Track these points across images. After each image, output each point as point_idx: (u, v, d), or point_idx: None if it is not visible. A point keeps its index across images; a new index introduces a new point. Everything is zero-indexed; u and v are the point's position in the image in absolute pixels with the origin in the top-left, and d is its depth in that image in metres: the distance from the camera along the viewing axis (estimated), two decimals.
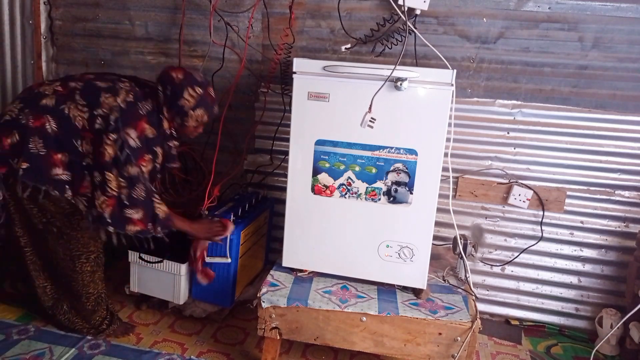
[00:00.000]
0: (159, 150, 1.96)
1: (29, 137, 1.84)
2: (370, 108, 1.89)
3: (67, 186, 1.87)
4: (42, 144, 1.84)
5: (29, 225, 2.01)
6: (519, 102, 2.41)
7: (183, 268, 2.23)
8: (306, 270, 2.12)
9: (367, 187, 1.96)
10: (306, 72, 1.93)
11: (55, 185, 1.86)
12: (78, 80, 1.97)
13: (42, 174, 1.84)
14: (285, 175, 2.03)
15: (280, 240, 2.12)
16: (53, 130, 1.85)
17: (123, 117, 1.85)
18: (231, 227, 2.11)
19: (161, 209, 1.91)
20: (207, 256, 2.22)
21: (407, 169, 1.92)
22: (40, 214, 1.96)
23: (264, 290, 1.96)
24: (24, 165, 1.82)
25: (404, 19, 2.25)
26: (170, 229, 1.96)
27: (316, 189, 2.00)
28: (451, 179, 2.41)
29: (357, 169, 1.96)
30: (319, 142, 1.96)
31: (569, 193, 2.44)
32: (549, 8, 2.30)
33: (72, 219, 1.97)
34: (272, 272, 2.11)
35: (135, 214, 1.85)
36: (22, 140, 1.84)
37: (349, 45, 2.45)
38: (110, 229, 1.85)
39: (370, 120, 1.89)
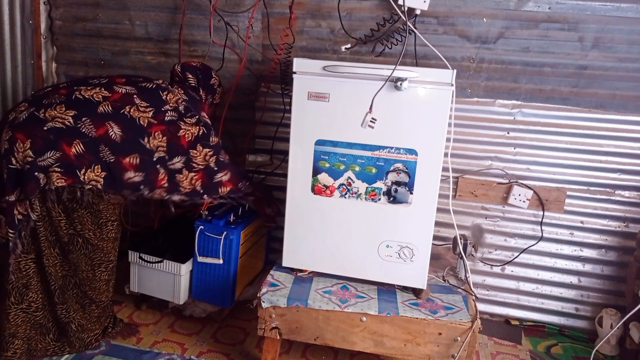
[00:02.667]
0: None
1: (98, 146, 1.84)
2: (370, 108, 1.89)
3: (142, 186, 1.92)
4: (109, 151, 1.86)
5: (55, 239, 1.93)
6: (519, 102, 2.41)
7: (183, 268, 2.23)
8: (306, 270, 2.12)
9: (367, 187, 1.96)
10: (306, 72, 1.93)
11: (132, 189, 1.91)
12: (120, 84, 1.98)
13: (117, 180, 1.88)
14: (285, 175, 2.03)
15: (280, 240, 2.12)
16: (117, 136, 1.87)
17: (193, 105, 2.09)
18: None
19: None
20: (200, 255, 2.23)
21: (407, 169, 1.92)
22: (68, 225, 1.92)
23: (264, 290, 1.96)
24: (103, 175, 1.85)
25: (404, 19, 2.25)
26: (248, 190, 2.22)
27: (316, 189, 2.00)
28: (451, 179, 2.41)
29: (357, 169, 1.96)
30: (319, 142, 1.96)
31: (569, 193, 2.44)
32: (549, 8, 2.30)
33: (103, 229, 1.97)
34: (272, 272, 2.11)
35: (225, 176, 2.08)
36: (88, 149, 1.83)
37: (349, 45, 2.45)
38: (205, 197, 2.08)
39: (371, 121, 1.89)
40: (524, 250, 2.52)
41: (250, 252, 2.43)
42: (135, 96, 1.96)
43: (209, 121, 2.13)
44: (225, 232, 2.18)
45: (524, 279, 2.57)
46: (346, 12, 2.46)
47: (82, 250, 1.96)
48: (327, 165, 1.97)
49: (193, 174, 2.01)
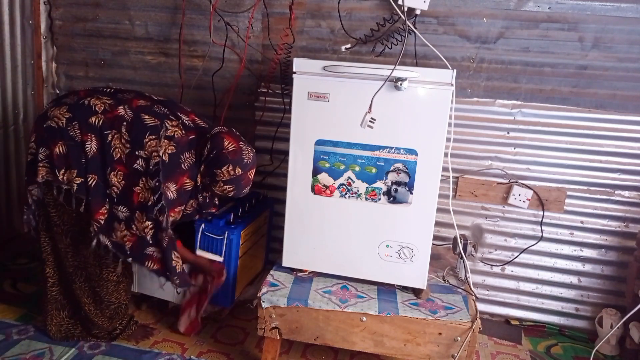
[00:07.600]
0: (192, 202, 1.99)
1: (78, 152, 1.86)
2: (370, 108, 1.89)
3: (90, 197, 1.89)
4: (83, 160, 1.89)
5: (67, 229, 1.99)
6: (519, 102, 2.41)
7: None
8: (306, 270, 2.12)
9: (367, 187, 1.96)
10: (306, 72, 1.93)
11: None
12: (128, 106, 1.89)
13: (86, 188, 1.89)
14: (285, 175, 2.03)
15: (280, 240, 2.12)
16: (91, 151, 1.86)
17: (165, 171, 1.84)
18: (224, 277, 2.17)
19: (178, 263, 1.93)
20: (200, 249, 2.22)
21: (407, 169, 1.92)
22: (78, 219, 1.96)
23: (264, 290, 1.96)
24: (79, 180, 1.86)
25: (404, 19, 2.25)
26: (187, 284, 2.04)
27: (316, 189, 2.00)
28: (451, 179, 2.41)
29: (357, 169, 1.96)
30: (319, 142, 1.96)
31: (569, 193, 2.44)
32: (549, 8, 2.30)
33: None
34: (272, 272, 2.11)
35: (157, 253, 1.90)
36: (69, 153, 1.86)
37: (349, 45, 2.46)
38: (129, 260, 1.92)
39: (370, 121, 1.89)
40: (524, 250, 2.52)
41: (250, 252, 2.43)
42: (125, 124, 1.86)
43: (173, 196, 1.87)
44: (225, 232, 2.18)
45: (524, 279, 2.57)
46: (346, 12, 2.46)
47: (89, 246, 1.97)
48: (327, 165, 1.97)
49: (128, 233, 1.88)
